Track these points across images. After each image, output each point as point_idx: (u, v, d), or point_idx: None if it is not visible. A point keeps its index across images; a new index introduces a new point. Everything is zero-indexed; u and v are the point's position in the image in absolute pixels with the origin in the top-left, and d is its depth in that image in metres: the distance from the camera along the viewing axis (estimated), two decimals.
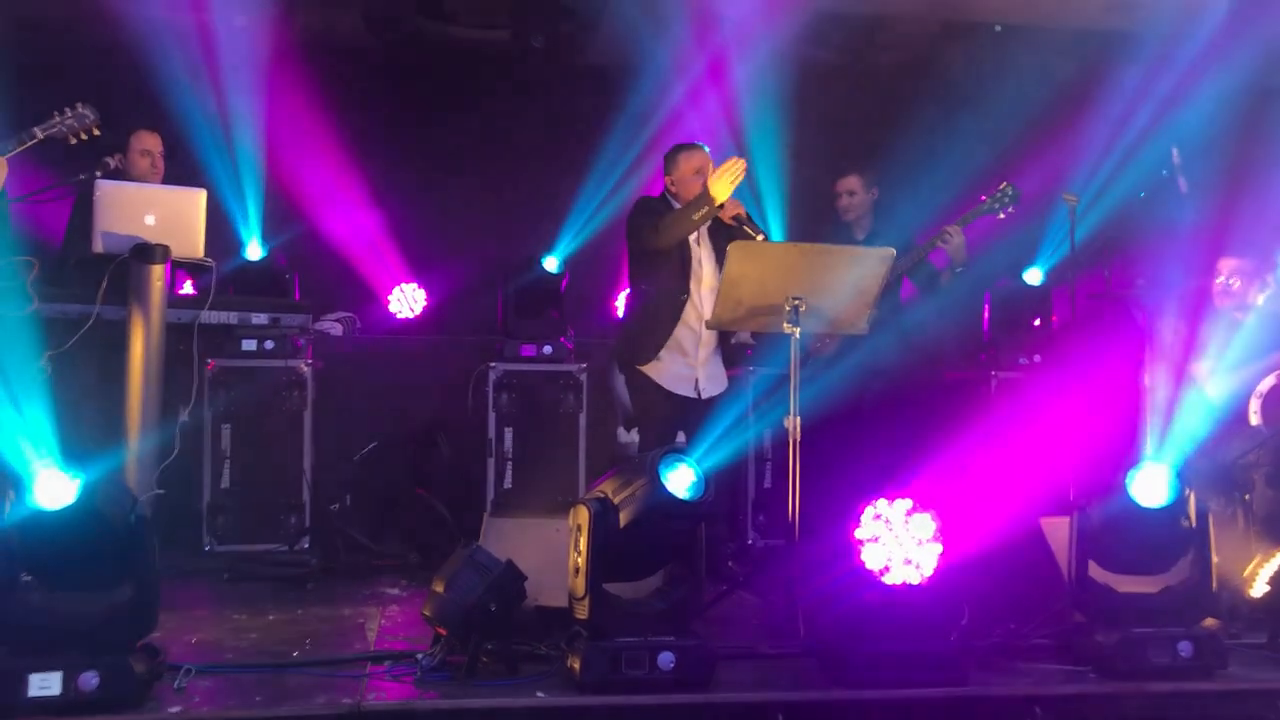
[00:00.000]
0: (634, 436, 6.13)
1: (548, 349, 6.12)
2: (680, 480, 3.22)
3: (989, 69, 7.24)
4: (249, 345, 5.60)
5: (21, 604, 2.93)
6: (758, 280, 4.06)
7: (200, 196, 4.78)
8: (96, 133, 4.77)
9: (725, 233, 4.58)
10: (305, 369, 5.65)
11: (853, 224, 5.64)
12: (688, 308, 4.69)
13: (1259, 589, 3.83)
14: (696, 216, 4.50)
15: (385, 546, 5.42)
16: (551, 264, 6.25)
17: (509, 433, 5.99)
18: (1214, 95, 6.32)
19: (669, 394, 4.70)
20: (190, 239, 4.76)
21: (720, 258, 4.55)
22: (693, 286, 4.71)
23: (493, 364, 6.00)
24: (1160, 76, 6.31)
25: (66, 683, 2.87)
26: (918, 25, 7.59)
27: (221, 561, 5.19)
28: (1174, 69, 6.33)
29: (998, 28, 7.55)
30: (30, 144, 4.69)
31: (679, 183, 4.75)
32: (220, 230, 5.73)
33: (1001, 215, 5.17)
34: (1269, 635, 3.79)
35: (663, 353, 4.68)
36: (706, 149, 4.79)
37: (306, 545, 5.49)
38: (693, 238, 4.70)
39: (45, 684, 2.85)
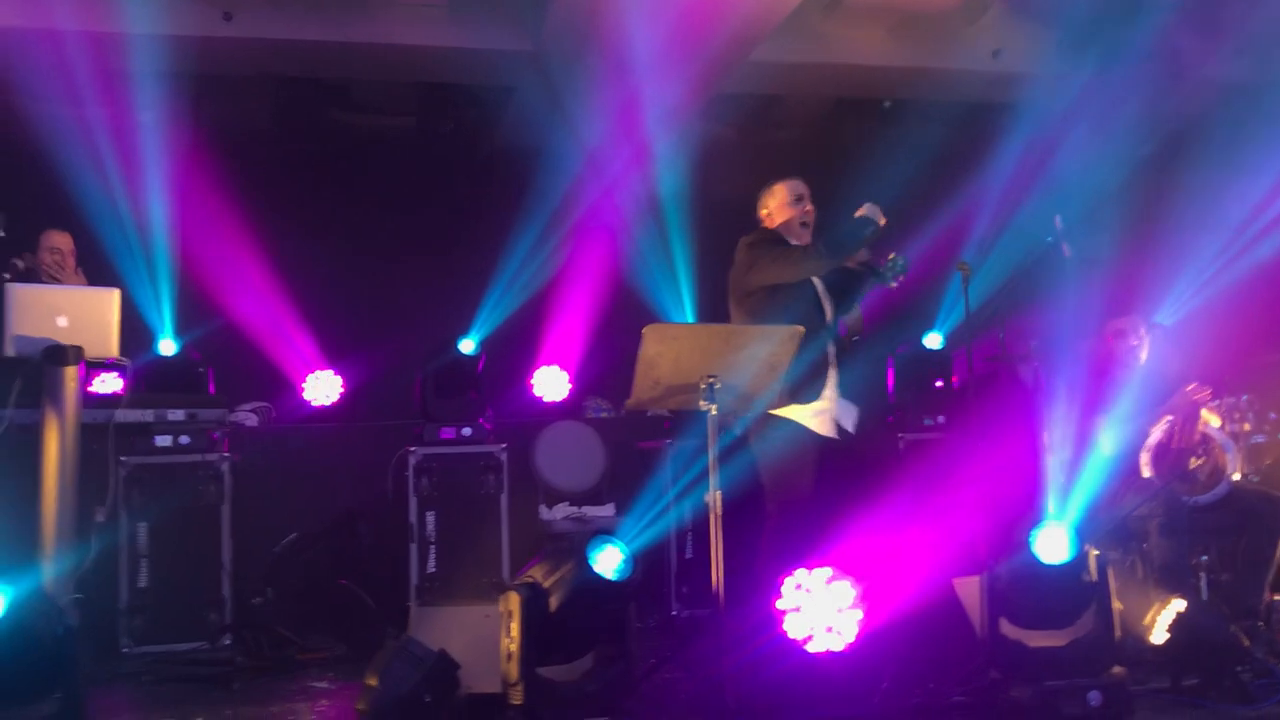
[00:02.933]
0: (555, 514, 6.21)
1: (467, 431, 6.18)
2: (608, 562, 3.32)
3: (879, 143, 7.60)
4: (163, 441, 5.57)
5: None
6: (673, 360, 4.18)
7: (114, 296, 4.76)
8: (0, 234, 4.67)
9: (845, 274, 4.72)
10: (222, 463, 5.63)
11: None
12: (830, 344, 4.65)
13: (1159, 636, 4.03)
14: (868, 233, 4.49)
15: (310, 639, 5.36)
16: (468, 345, 6.33)
17: (431, 516, 6.01)
18: (1087, 164, 6.73)
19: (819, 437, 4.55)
20: (104, 338, 4.73)
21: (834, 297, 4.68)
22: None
23: (412, 448, 6.03)
24: (1039, 148, 6.68)
25: None
26: (810, 103, 7.94)
27: (141, 664, 5.10)
28: (1051, 141, 6.71)
29: (886, 103, 7.94)
30: None
31: (776, 212, 4.80)
32: (133, 327, 5.69)
33: (893, 284, 5.38)
34: (1171, 679, 3.98)
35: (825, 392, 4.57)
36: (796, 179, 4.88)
37: (229, 642, 5.43)
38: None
39: None
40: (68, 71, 6.20)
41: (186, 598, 5.48)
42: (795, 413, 4.54)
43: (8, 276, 4.96)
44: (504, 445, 6.12)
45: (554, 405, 6.98)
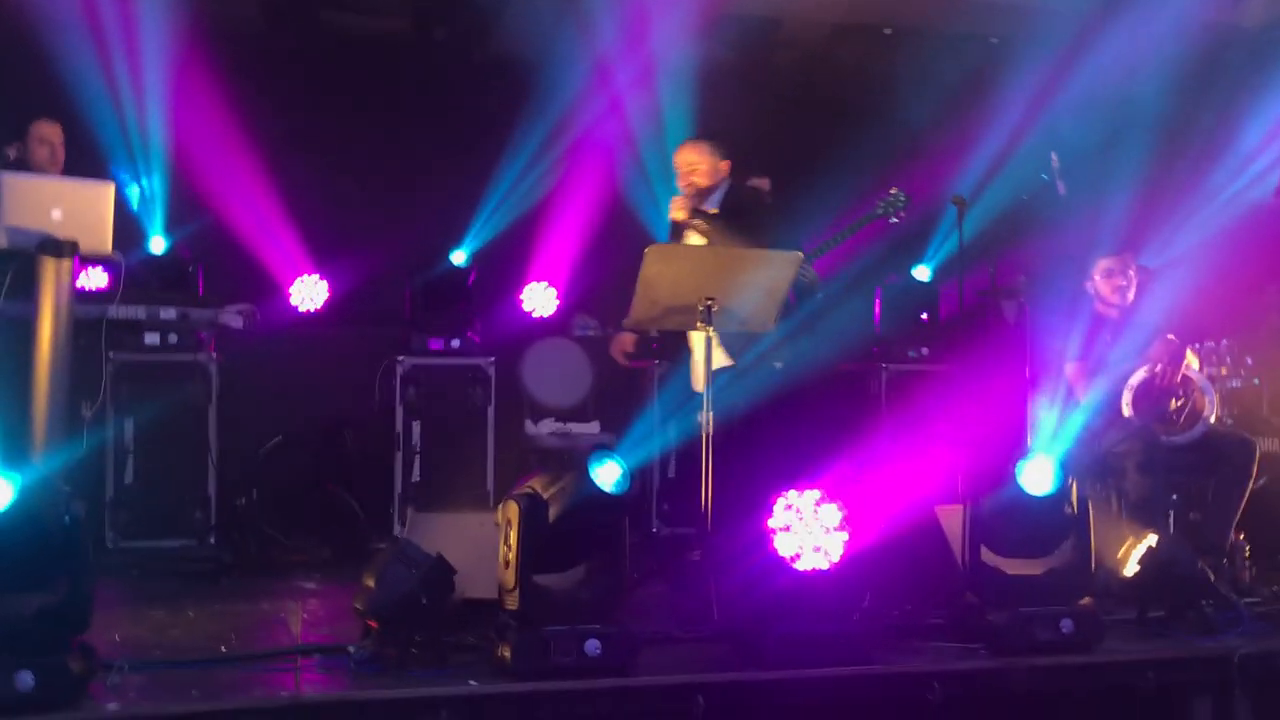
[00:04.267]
0: (540, 429, 6.27)
1: (455, 343, 6.22)
2: (607, 475, 3.37)
3: (878, 72, 7.56)
4: (152, 340, 5.56)
5: None
6: (672, 281, 4.23)
7: (109, 190, 4.70)
8: None
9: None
10: (209, 363, 5.63)
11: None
12: None
13: (1130, 569, 4.16)
14: None
15: (296, 541, 5.44)
16: (459, 258, 6.32)
17: (416, 426, 6.06)
18: (1083, 101, 6.74)
19: None
20: (99, 234, 4.67)
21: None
22: None
23: (400, 357, 6.06)
24: (1037, 82, 6.67)
25: (2, 683, 2.88)
26: (810, 27, 7.86)
27: (126, 558, 5.16)
28: (1049, 74, 6.70)
29: (887, 30, 7.87)
30: None
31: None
32: (123, 223, 5.65)
33: (893, 220, 5.44)
34: (1138, 611, 4.12)
35: None
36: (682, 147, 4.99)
37: (213, 540, 5.49)
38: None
39: None
40: None
41: (172, 495, 5.52)
42: None
43: None
44: (492, 359, 6.16)
45: (542, 321, 6.98)
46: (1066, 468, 3.78)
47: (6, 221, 4.59)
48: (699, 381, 4.63)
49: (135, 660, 3.31)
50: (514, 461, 6.12)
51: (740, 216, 4.67)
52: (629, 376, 6.58)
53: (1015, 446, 4.62)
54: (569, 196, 7.06)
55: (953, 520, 4.06)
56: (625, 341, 5.33)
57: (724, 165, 4.89)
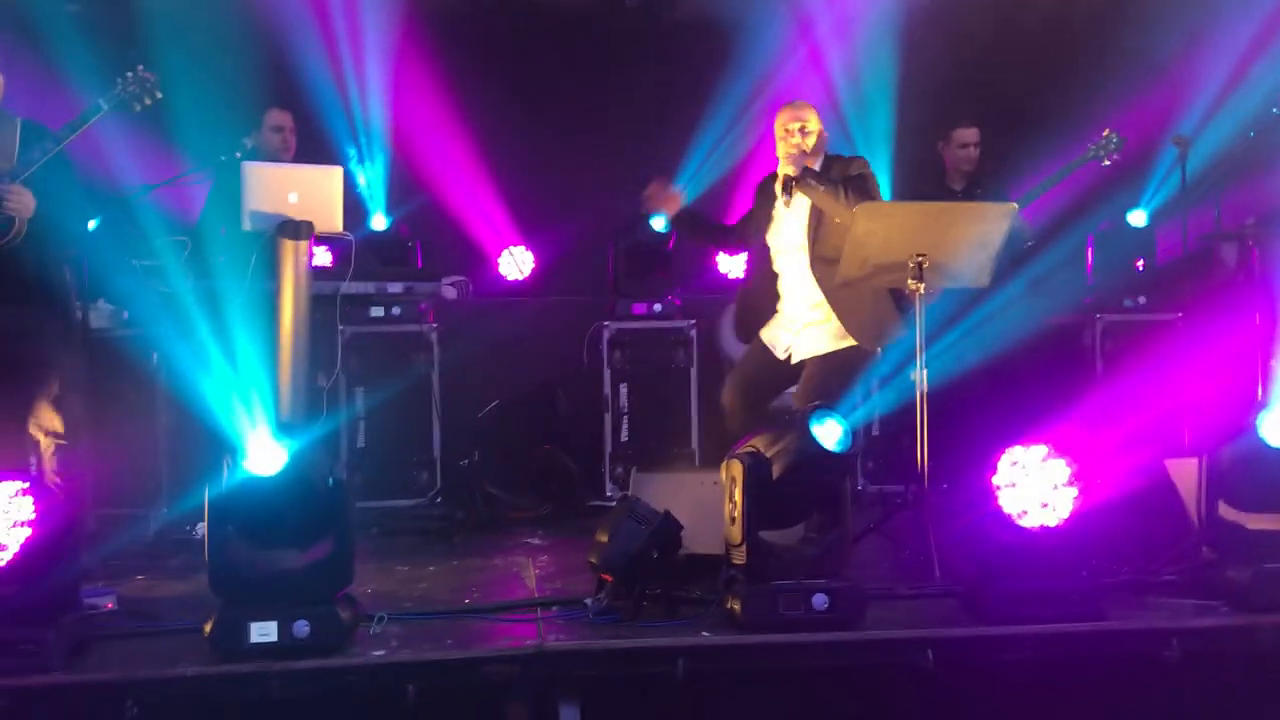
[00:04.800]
0: None
1: (657, 307, 6.34)
2: (829, 434, 3.41)
3: (1083, 7, 7.23)
4: (377, 312, 5.90)
5: (236, 561, 3.22)
6: (883, 239, 4.21)
7: (338, 174, 5.01)
8: (159, 95, 4.56)
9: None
10: (431, 333, 5.93)
11: (949, 174, 5.74)
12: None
13: None
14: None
15: (517, 499, 5.69)
16: (659, 223, 6.41)
17: (624, 388, 6.23)
18: None
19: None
20: (330, 214, 5.00)
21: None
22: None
23: (606, 322, 6.22)
24: (1266, 11, 6.25)
25: (281, 630, 3.16)
26: None
27: (365, 517, 5.49)
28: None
29: None
30: (97, 116, 4.35)
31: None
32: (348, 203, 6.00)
33: (1106, 162, 5.25)
34: None
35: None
36: (793, 105, 4.75)
37: (439, 500, 5.81)
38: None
39: (264, 631, 3.15)
40: None
41: (400, 458, 5.87)
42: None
43: (238, 155, 5.25)
44: (693, 322, 6.26)
45: (738, 282, 7.03)
46: None
47: (249, 207, 4.97)
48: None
49: (392, 612, 3.56)
50: (718, 423, 6.22)
51: (851, 181, 4.49)
52: None
53: (1250, 397, 4.42)
54: (765, 156, 7.05)
55: (1183, 474, 3.93)
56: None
57: (825, 134, 4.77)
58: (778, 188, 4.69)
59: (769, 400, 4.82)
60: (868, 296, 4.54)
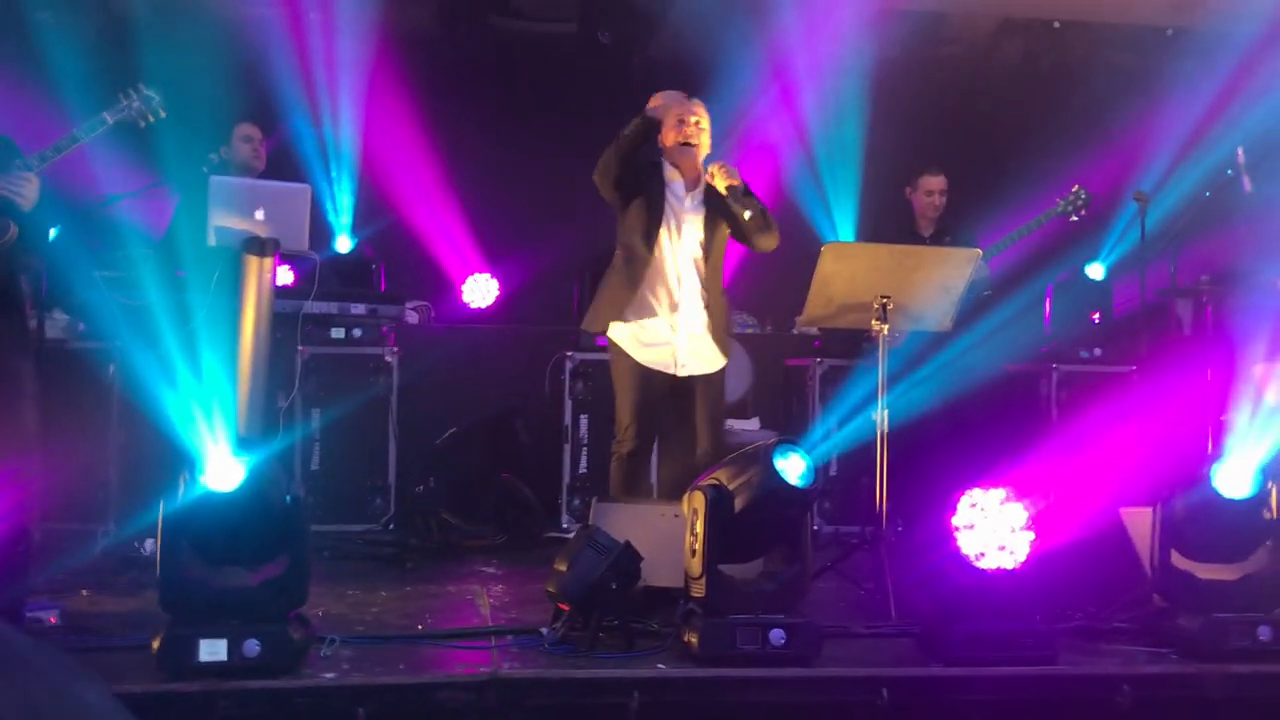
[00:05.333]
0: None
1: None
2: (793, 468, 3.42)
3: (1048, 65, 7.40)
4: (338, 333, 5.85)
5: (188, 577, 3.16)
6: (848, 279, 4.26)
7: (306, 192, 4.99)
8: (163, 114, 4.51)
9: (719, 202, 4.38)
10: (391, 357, 5.90)
11: (918, 220, 5.82)
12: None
13: None
14: (628, 131, 4.31)
15: (472, 527, 5.64)
16: None
17: (584, 420, 6.20)
18: (1271, 92, 6.45)
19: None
20: (296, 233, 4.96)
21: (711, 227, 4.40)
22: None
23: (569, 353, 6.21)
24: (1224, 75, 6.43)
25: (231, 649, 3.10)
26: (975, 21, 7.75)
27: (317, 541, 5.37)
28: (1237, 67, 6.45)
29: (1056, 24, 7.69)
30: (100, 131, 4.33)
31: (665, 134, 4.48)
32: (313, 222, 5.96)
33: (1074, 218, 5.35)
34: None
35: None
36: (690, 100, 4.49)
37: (391, 526, 5.74)
38: (674, 199, 4.46)
39: (213, 650, 3.08)
40: None
41: (355, 482, 5.80)
42: (614, 331, 4.46)
43: (205, 170, 5.21)
44: None
45: None
46: (1267, 471, 3.66)
47: (214, 222, 4.92)
48: None
49: (344, 635, 3.51)
50: (676, 456, 6.23)
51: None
52: (788, 374, 6.62)
53: (1203, 449, 4.50)
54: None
55: (1138, 523, 3.98)
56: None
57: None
58: (672, 177, 4.46)
59: (663, 418, 4.53)
60: (726, 311, 4.52)
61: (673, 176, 4.52)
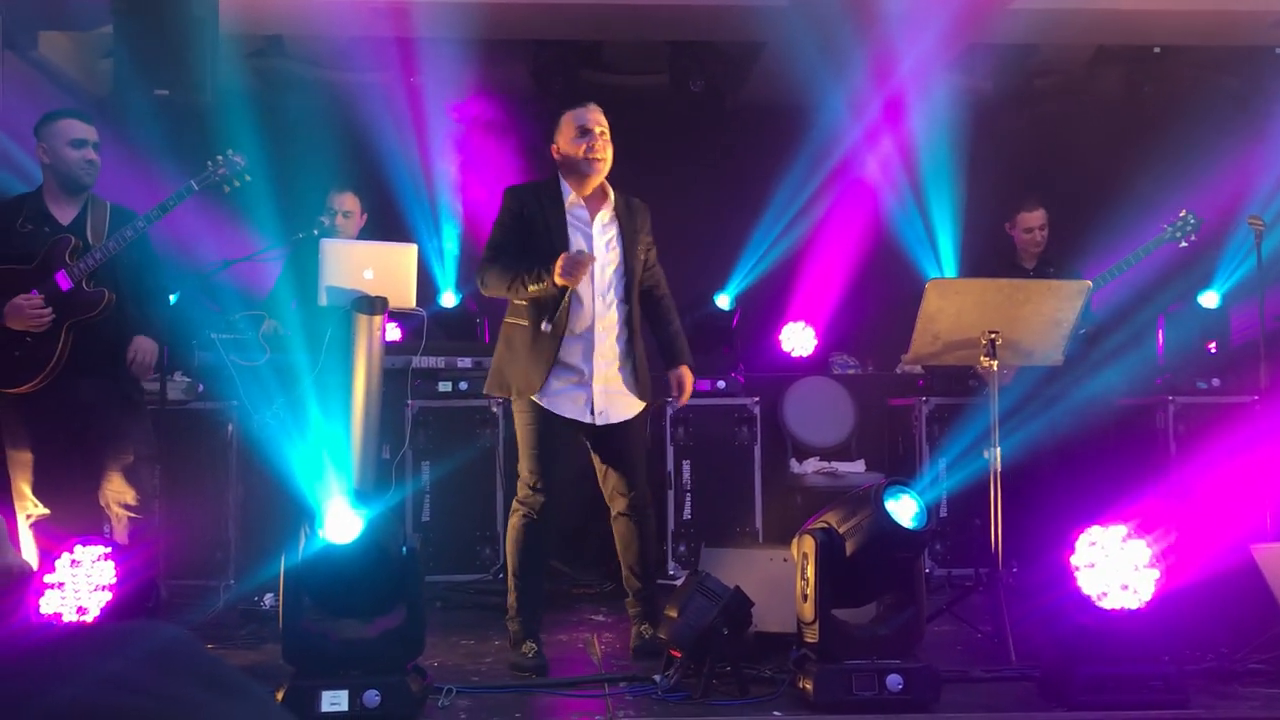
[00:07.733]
0: (805, 468, 6.30)
1: (721, 384, 6.34)
2: (905, 510, 3.38)
3: (1150, 91, 7.25)
4: (445, 387, 5.96)
5: (309, 630, 3.24)
6: (954, 315, 4.20)
7: (413, 251, 5.12)
8: (248, 178, 4.63)
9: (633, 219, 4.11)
10: (495, 408, 5.98)
11: (1020, 254, 5.73)
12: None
13: None
14: (532, 286, 3.82)
15: (580, 575, 5.67)
16: (724, 301, 6.47)
17: (686, 465, 6.21)
18: None
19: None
20: (403, 291, 5.08)
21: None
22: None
23: (669, 399, 6.23)
24: None
25: (352, 700, 3.16)
26: (1070, 51, 7.64)
27: (429, 590, 5.49)
28: None
29: (1156, 49, 7.55)
30: (187, 197, 4.44)
31: (562, 147, 4.07)
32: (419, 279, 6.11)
33: (1183, 244, 5.21)
34: None
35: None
36: (596, 109, 4.09)
37: (501, 576, 5.79)
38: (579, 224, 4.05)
39: (335, 700, 3.15)
40: (342, 38, 6.65)
41: (464, 532, 5.88)
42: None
43: (315, 233, 5.38)
44: (756, 399, 6.24)
45: (801, 361, 7.05)
46: None
47: (325, 282, 5.08)
48: None
49: (460, 685, 3.55)
50: (781, 500, 6.19)
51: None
52: (892, 415, 6.54)
53: None
54: (829, 235, 7.12)
55: (1271, 559, 3.82)
56: None
57: None
58: (575, 200, 4.03)
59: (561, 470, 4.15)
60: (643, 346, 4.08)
61: (573, 202, 4.07)
